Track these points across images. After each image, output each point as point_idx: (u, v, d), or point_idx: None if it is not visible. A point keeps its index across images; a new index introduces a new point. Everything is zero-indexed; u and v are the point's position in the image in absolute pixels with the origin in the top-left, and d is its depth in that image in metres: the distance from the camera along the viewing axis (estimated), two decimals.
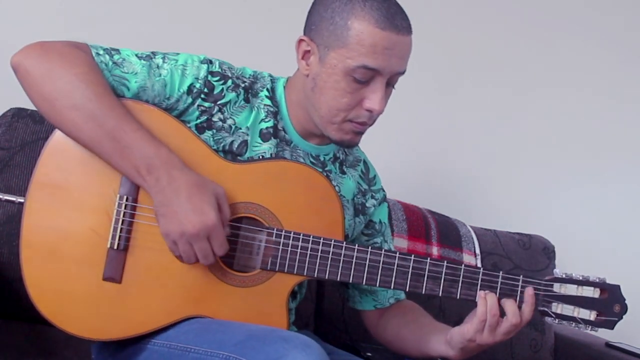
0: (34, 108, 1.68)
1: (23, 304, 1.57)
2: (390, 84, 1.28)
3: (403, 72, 1.28)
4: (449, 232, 1.99)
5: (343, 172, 1.42)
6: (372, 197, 1.47)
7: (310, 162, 1.37)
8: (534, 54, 2.41)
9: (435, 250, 1.94)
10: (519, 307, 1.23)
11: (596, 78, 2.46)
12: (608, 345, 1.96)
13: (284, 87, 1.37)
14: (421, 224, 1.97)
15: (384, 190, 1.51)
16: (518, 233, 2.14)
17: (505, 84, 2.38)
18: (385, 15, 1.21)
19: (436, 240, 1.96)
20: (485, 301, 1.23)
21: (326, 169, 1.39)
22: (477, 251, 2.02)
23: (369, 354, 1.53)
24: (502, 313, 1.24)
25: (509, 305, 1.23)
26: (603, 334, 2.10)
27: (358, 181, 1.45)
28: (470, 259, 2.00)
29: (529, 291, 1.24)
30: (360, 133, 1.31)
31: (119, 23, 1.96)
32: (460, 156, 2.34)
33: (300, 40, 1.29)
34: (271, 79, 1.38)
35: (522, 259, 2.06)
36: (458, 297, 1.27)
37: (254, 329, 1.17)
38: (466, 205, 2.31)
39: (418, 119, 2.27)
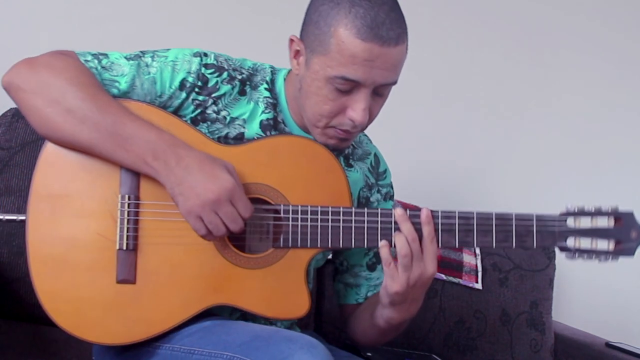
0: None
1: (23, 304, 1.58)
2: (379, 94, 1.24)
3: (393, 83, 1.23)
4: None
5: (349, 165, 1.40)
6: (378, 191, 1.44)
7: None
8: (536, 55, 2.41)
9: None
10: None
11: (597, 78, 2.46)
12: (608, 345, 1.96)
13: (284, 79, 1.34)
14: None
15: (392, 188, 1.49)
16: None
17: (506, 85, 2.38)
18: (369, 25, 1.15)
19: None
20: (386, 247, 1.20)
21: None
22: (477, 251, 2.02)
23: (369, 354, 1.53)
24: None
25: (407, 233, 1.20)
26: (603, 334, 2.12)
27: (366, 174, 1.43)
28: (471, 258, 2.00)
29: (424, 212, 1.21)
30: (346, 139, 1.28)
31: (121, 24, 1.96)
32: (461, 156, 2.34)
33: (291, 40, 1.26)
34: (272, 71, 1.35)
35: (522, 259, 2.06)
36: (475, 245, 1.24)
37: (258, 330, 1.16)
38: (466, 205, 2.31)
39: (417, 119, 2.27)
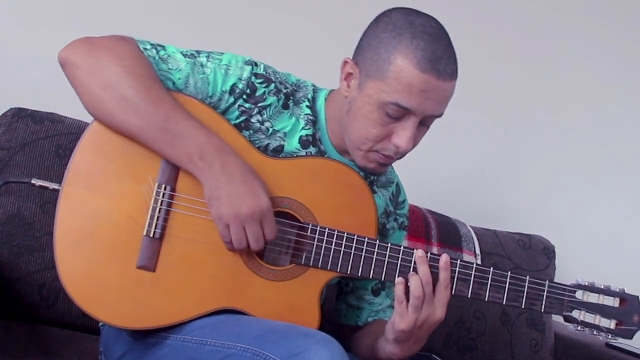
0: (34, 108, 1.70)
1: (23, 304, 1.59)
2: (424, 124, 1.28)
3: (440, 115, 1.27)
4: (449, 232, 1.99)
5: (373, 191, 1.41)
6: (395, 219, 1.47)
7: None
8: (535, 57, 2.41)
9: (435, 251, 1.94)
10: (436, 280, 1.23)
11: (597, 80, 2.46)
12: (608, 345, 1.97)
13: (325, 99, 1.37)
14: (421, 224, 1.97)
15: (407, 219, 1.51)
16: (518, 233, 2.14)
17: (506, 86, 2.38)
18: (429, 58, 1.20)
19: (436, 240, 1.96)
20: (401, 285, 1.22)
21: None
22: (477, 251, 2.02)
23: None
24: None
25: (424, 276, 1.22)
26: None
27: (387, 201, 1.45)
28: (470, 259, 2.00)
29: (443, 258, 1.23)
30: (385, 165, 1.31)
31: (121, 24, 1.97)
32: (460, 156, 2.34)
33: (345, 62, 1.29)
34: (313, 89, 1.38)
35: (522, 259, 2.06)
36: (486, 299, 1.27)
37: (272, 324, 1.17)
38: (466, 205, 2.31)
39: None
